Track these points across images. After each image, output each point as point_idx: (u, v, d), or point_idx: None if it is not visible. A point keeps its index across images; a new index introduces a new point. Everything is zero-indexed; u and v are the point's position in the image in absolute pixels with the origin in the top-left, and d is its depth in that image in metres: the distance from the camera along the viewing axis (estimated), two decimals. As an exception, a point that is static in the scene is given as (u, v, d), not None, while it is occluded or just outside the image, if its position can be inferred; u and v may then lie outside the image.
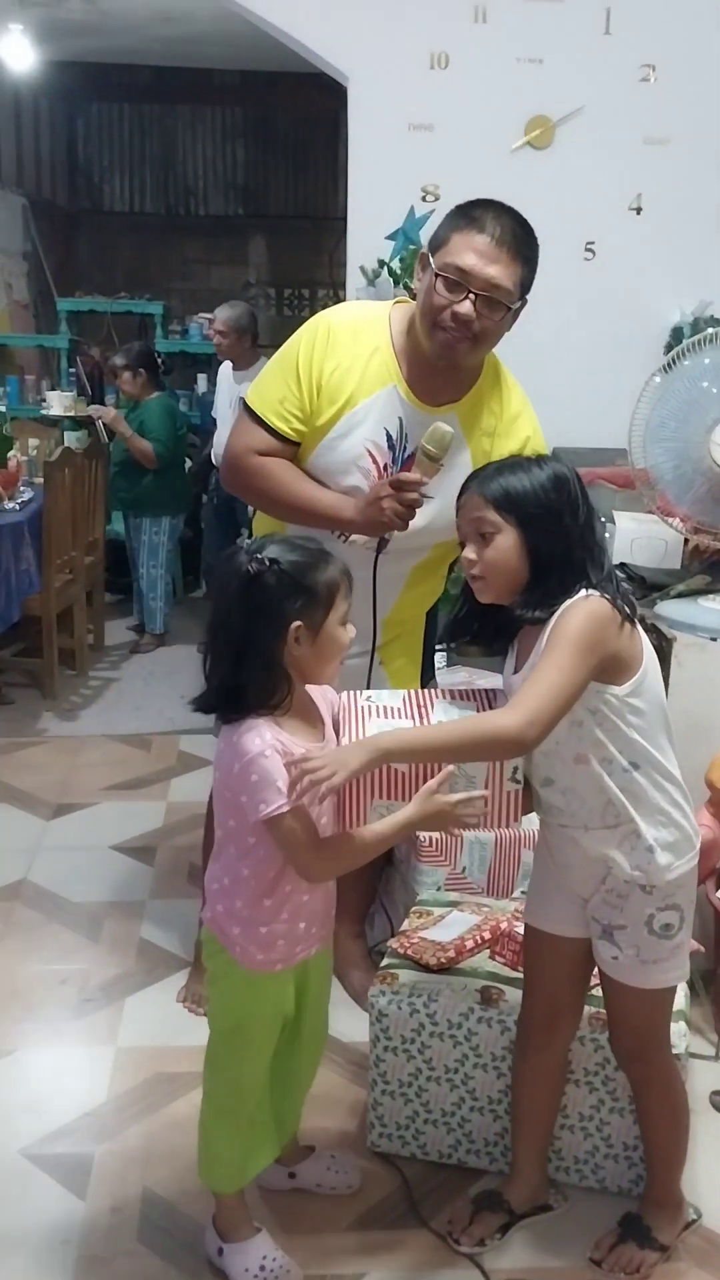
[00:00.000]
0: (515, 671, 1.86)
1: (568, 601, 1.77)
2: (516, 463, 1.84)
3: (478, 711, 1.84)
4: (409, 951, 2.33)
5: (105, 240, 8.68)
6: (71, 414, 6.62)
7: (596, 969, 1.98)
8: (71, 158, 8.70)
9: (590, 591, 1.77)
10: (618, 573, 3.17)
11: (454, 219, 2.25)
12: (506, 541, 1.77)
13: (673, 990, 1.96)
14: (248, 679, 1.74)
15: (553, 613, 1.76)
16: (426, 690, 1.98)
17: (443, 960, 2.28)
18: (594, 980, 2.03)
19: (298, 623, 1.72)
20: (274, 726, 1.75)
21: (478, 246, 2.18)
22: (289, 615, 1.72)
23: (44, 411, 6.73)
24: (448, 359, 2.26)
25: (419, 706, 1.88)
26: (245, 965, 1.86)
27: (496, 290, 2.18)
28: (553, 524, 1.79)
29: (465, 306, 2.18)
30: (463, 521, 1.84)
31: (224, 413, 5.48)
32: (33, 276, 8.00)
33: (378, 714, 1.84)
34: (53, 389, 7.14)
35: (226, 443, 2.52)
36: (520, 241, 2.22)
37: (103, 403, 6.63)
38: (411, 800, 1.73)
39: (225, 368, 5.60)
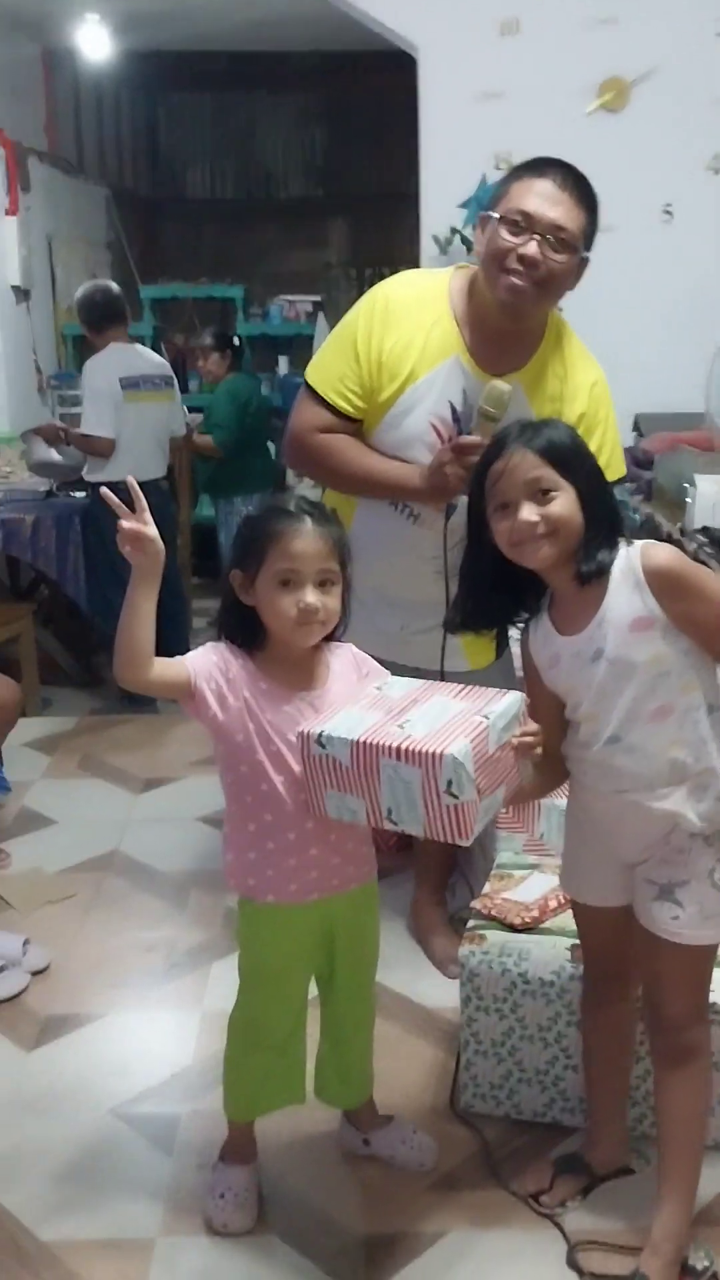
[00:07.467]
0: (566, 634, 1.81)
1: (624, 552, 1.76)
2: (543, 420, 1.84)
3: (472, 710, 1.73)
4: (493, 912, 2.33)
5: (187, 227, 8.79)
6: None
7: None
8: (152, 147, 8.82)
9: (636, 541, 1.78)
10: (700, 536, 3.17)
11: (513, 172, 2.24)
12: (569, 496, 1.75)
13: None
14: (223, 611, 1.90)
15: (606, 568, 1.75)
16: (439, 686, 1.87)
17: (527, 920, 2.29)
18: None
19: (236, 570, 1.85)
20: (226, 653, 1.86)
21: (540, 190, 2.16)
22: (234, 562, 1.86)
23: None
24: (513, 308, 2.22)
25: (411, 702, 1.79)
26: (240, 892, 1.94)
27: (561, 231, 2.16)
28: (597, 475, 1.80)
29: (531, 247, 2.16)
30: (513, 484, 1.75)
31: (86, 413, 4.45)
32: (117, 265, 8.13)
33: (359, 704, 1.81)
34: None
35: (289, 422, 2.49)
36: (583, 190, 2.20)
37: (185, 389, 6.55)
38: (356, 790, 1.73)
39: None
